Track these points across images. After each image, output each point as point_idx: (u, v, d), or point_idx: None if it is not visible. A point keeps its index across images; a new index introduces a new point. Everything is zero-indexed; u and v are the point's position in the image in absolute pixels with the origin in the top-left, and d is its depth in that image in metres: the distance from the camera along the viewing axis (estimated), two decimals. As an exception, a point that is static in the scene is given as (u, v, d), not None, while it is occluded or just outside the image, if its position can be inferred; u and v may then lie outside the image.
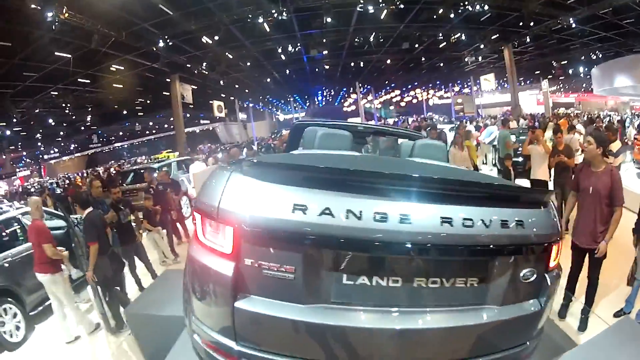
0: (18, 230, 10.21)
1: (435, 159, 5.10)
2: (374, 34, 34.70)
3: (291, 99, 75.63)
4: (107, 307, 8.24)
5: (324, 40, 36.79)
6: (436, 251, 2.96)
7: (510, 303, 3.27)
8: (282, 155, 5.81)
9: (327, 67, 51.35)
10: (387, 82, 68.97)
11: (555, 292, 3.63)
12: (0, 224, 10.15)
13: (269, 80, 55.30)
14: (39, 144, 67.32)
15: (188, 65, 37.67)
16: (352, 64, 49.81)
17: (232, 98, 59.09)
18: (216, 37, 31.16)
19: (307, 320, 2.90)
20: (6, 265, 9.22)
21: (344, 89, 72.72)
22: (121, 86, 41.95)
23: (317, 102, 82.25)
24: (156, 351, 4.92)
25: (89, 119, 58.06)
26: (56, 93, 39.80)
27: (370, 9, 26.69)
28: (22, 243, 9.66)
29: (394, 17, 30.16)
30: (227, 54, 38.06)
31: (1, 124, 46.40)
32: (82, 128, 63.06)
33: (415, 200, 2.89)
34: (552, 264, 3.44)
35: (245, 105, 68.72)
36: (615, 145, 9.99)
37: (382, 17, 28.47)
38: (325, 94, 77.58)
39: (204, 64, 38.43)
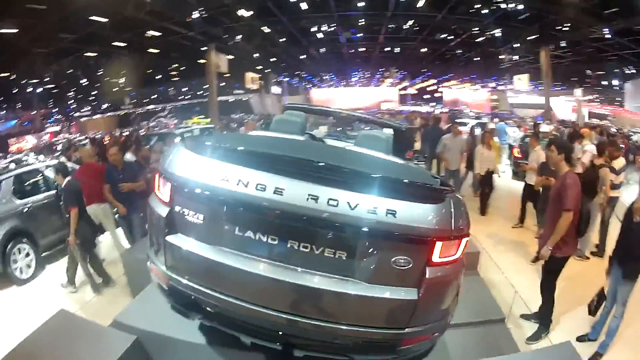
0: (40, 181, 11.42)
1: (375, 149, 5.64)
2: (411, 21, 34.38)
3: (327, 77, 75.47)
4: (92, 267, 8.94)
5: (361, 23, 36.63)
6: (302, 221, 3.64)
7: (379, 283, 3.74)
8: (228, 135, 6.52)
9: (363, 49, 51.27)
10: (422, 70, 67.89)
11: (449, 288, 4.00)
12: (24, 175, 11.48)
13: (304, 56, 55.03)
14: (71, 101, 68.27)
15: (225, 36, 37.67)
16: (388, 49, 49.62)
17: (267, 71, 58.95)
18: (252, 12, 31.21)
19: (208, 256, 3.87)
20: (25, 210, 10.55)
21: (380, 72, 71.72)
22: (157, 51, 42.58)
23: (352, 83, 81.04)
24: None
25: (122, 80, 58.44)
26: (91, 54, 40.31)
27: None
28: (43, 192, 11.13)
29: (432, 7, 29.85)
30: (263, 28, 37.97)
31: (33, 81, 47.24)
32: (116, 89, 63.52)
33: (293, 178, 3.65)
34: (435, 259, 3.70)
35: (280, 80, 68.89)
36: (618, 163, 9.87)
37: (419, 5, 28.26)
38: (360, 76, 76.68)
39: (240, 36, 38.32)
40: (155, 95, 71.46)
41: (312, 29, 38.40)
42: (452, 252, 3.80)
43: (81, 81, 54.10)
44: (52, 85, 53.46)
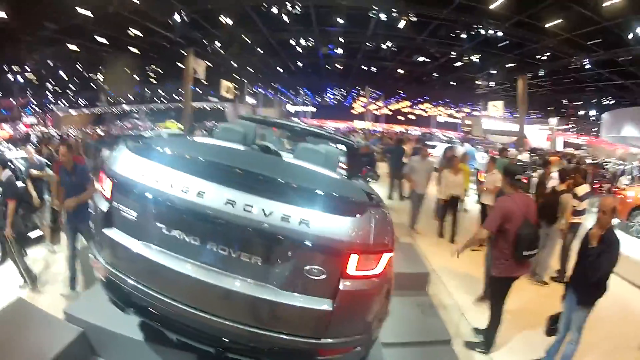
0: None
1: (313, 162, 5.72)
2: (389, 42, 34.44)
3: (302, 92, 75.74)
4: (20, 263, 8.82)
5: (340, 40, 37.00)
6: (220, 224, 3.82)
7: (291, 291, 3.85)
8: (169, 138, 6.84)
9: (340, 66, 51.42)
10: (398, 90, 68.69)
11: (370, 302, 4.06)
12: None
13: (281, 69, 55.20)
14: (48, 94, 67.69)
15: (204, 41, 37.46)
16: (365, 67, 49.68)
17: (243, 80, 59.42)
18: (233, 19, 31.04)
19: (138, 252, 4.09)
20: None
21: (355, 91, 72.23)
22: (137, 51, 42.24)
23: (326, 99, 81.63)
24: None
25: (100, 77, 58.32)
26: (72, 48, 39.63)
27: (386, 16, 26.48)
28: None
29: (411, 29, 29.86)
30: (242, 36, 37.85)
31: (15, 68, 46.94)
32: (93, 86, 63.12)
33: (216, 183, 3.87)
34: (350, 271, 3.78)
35: (255, 90, 69.10)
36: (582, 189, 9.96)
37: (398, 26, 28.20)
38: (336, 92, 76.94)
39: (218, 42, 38.28)
40: (130, 95, 71.16)
41: (291, 42, 38.40)
42: (371, 266, 3.88)
43: (60, 73, 53.39)
44: (32, 76, 52.82)
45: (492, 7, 23.75)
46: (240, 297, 3.89)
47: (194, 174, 3.97)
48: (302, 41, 37.26)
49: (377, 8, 25.79)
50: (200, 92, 62.84)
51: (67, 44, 37.97)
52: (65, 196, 8.14)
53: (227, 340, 4.09)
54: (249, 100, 67.45)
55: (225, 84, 46.54)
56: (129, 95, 71.08)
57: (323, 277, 3.81)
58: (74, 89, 66.42)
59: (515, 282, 6.82)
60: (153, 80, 63.18)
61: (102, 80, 59.32)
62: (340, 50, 41.04)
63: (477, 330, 7.49)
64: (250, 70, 56.07)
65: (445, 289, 9.34)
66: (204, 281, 3.90)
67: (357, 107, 75.21)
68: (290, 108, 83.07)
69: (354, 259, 3.77)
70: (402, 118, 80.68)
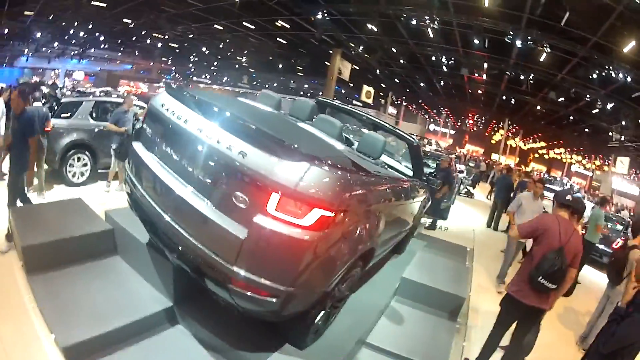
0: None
1: (325, 131, 6.57)
2: (530, 74, 33.34)
3: (443, 112, 75.11)
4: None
5: (483, 65, 36.36)
6: (193, 147, 4.72)
7: (222, 211, 4.35)
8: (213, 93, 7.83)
9: (482, 93, 50.13)
10: (535, 129, 65.65)
11: (288, 250, 4.14)
12: (105, 104, 14.50)
13: (424, 85, 54.55)
14: (190, 65, 72.66)
15: (351, 45, 38.48)
16: (505, 98, 47.95)
17: (389, 91, 60.55)
18: (380, 27, 31.75)
19: (146, 162, 5.29)
20: (96, 130, 13.47)
21: (494, 121, 69.67)
22: (285, 42, 44.68)
23: (466, 125, 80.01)
24: None
25: (244, 60, 61.32)
26: (219, 27, 42.84)
27: (522, 44, 25.87)
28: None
29: (552, 64, 29.31)
30: (389, 46, 38.38)
31: (157, 35, 50.78)
32: (237, 66, 66.14)
33: (207, 120, 4.70)
34: (270, 209, 4.04)
35: (399, 102, 69.25)
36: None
37: (540, 59, 27.73)
38: (476, 119, 74.78)
39: (363, 47, 39.14)
40: (275, 84, 72.68)
41: (435, 59, 38.01)
42: (296, 214, 4.06)
43: (203, 49, 56.80)
44: (175, 45, 56.54)
45: (625, 50, 22.60)
46: (186, 205, 4.56)
47: (197, 111, 4.86)
48: (445, 60, 36.76)
49: (512, 33, 25.45)
50: (343, 92, 64.04)
51: (214, 24, 41.05)
52: (12, 141, 8.32)
53: (178, 246, 4.79)
54: (392, 110, 67.20)
55: (366, 89, 47.10)
56: (274, 83, 72.98)
57: (245, 205, 4.17)
58: (217, 66, 69.99)
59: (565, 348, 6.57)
60: (299, 73, 64.39)
61: (245, 63, 61.80)
62: (483, 76, 40.39)
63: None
64: (396, 81, 56.10)
65: (477, 323, 8.57)
66: (171, 188, 4.76)
67: (496, 137, 72.30)
68: (431, 127, 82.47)
69: (274, 198, 4.03)
70: (537, 156, 77.95)
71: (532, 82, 35.11)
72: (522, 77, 34.66)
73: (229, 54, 58.12)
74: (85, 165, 13.51)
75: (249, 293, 4.23)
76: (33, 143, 8.20)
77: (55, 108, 13.29)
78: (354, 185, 4.70)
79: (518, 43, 25.91)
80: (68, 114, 13.33)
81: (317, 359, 5.08)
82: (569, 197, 6.48)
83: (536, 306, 6.11)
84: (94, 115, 13.83)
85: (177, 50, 59.20)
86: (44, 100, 14.13)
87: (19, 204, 8.38)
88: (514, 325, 6.56)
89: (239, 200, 4.21)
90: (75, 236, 6.52)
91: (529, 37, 25.45)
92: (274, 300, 4.25)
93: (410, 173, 8.92)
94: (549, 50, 26.03)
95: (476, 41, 28.97)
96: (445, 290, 7.66)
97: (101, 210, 7.37)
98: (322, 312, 5.28)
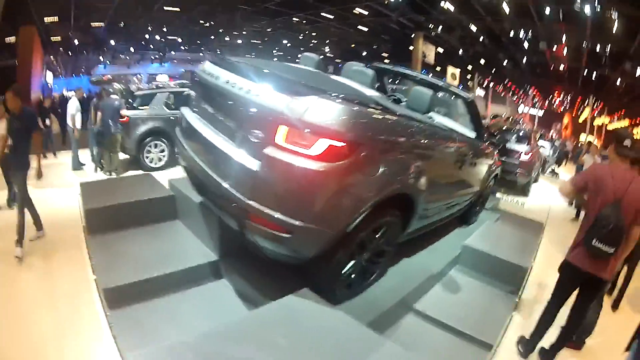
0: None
1: (357, 80, 6.78)
2: (608, 46, 32.63)
3: (530, 92, 73.49)
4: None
5: (562, 37, 35.38)
6: (223, 97, 5.23)
7: (241, 148, 4.59)
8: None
9: (564, 67, 47.99)
10: (619, 106, 60.05)
11: (297, 181, 4.23)
12: (179, 94, 15.56)
13: (508, 64, 53.62)
14: (275, 59, 71.74)
15: (430, 26, 38.98)
16: (587, 73, 45.78)
17: (475, 73, 59.51)
18: (455, 4, 32.51)
19: (189, 121, 5.84)
20: (171, 118, 14.58)
21: (579, 98, 64.72)
22: (366, 29, 45.54)
23: (553, 104, 74.98)
24: None
25: (327, 50, 62.04)
26: (297, 20, 44.37)
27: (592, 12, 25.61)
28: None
29: (627, 34, 28.23)
30: (466, 24, 38.55)
31: (236, 33, 53.10)
32: (321, 56, 65.94)
33: (238, 75, 5.02)
34: (278, 140, 4.22)
35: (486, 84, 68.04)
36: None
37: (614, 29, 27.23)
38: (561, 97, 71.61)
39: (441, 27, 39.58)
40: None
41: (512, 34, 37.78)
42: (302, 144, 4.16)
43: (284, 42, 58.26)
44: (257, 41, 58.32)
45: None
46: (217, 151, 4.86)
47: (230, 70, 5.19)
48: (523, 35, 36.79)
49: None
50: (430, 76, 63.49)
51: (293, 17, 42.68)
52: (13, 141, 8.11)
53: (216, 195, 5.04)
54: (480, 92, 65.90)
55: (451, 70, 46.57)
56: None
57: (259, 141, 4.37)
58: (301, 58, 69.70)
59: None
60: (385, 60, 62.90)
61: (329, 52, 61.98)
62: (564, 51, 39.33)
63: (543, 349, 6.02)
64: (481, 62, 55.43)
65: (540, 298, 7.43)
66: (207, 139, 5.12)
67: (582, 116, 69.07)
68: (519, 108, 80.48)
69: (282, 129, 4.20)
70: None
71: (609, 54, 34.32)
72: (599, 49, 33.89)
73: (311, 45, 59.01)
74: (162, 151, 15.07)
75: (263, 228, 4.35)
76: (37, 136, 8.24)
77: (130, 101, 14.95)
78: (370, 120, 4.70)
79: (587, 10, 25.55)
80: (143, 105, 14.90)
81: (348, 311, 4.88)
82: (627, 141, 5.52)
83: (594, 274, 5.38)
84: (168, 104, 15.16)
85: (260, 46, 60.49)
86: (118, 95, 15.18)
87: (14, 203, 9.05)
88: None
89: (254, 136, 4.42)
90: (136, 200, 7.18)
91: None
92: (289, 236, 4.31)
93: (474, 136, 8.31)
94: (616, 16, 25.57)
95: (550, 11, 28.96)
96: (506, 259, 7.31)
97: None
98: (352, 261, 5.25)
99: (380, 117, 4.91)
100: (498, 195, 14.25)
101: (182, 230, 7.01)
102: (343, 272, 5.16)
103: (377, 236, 5.44)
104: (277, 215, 4.25)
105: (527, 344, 6.01)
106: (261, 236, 4.47)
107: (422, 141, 5.74)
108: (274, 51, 66.23)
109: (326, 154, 4.13)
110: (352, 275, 5.34)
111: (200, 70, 5.89)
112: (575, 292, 5.78)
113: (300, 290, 4.87)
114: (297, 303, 4.64)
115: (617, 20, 26.06)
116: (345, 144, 4.21)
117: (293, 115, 4.14)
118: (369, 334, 4.38)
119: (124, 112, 13.79)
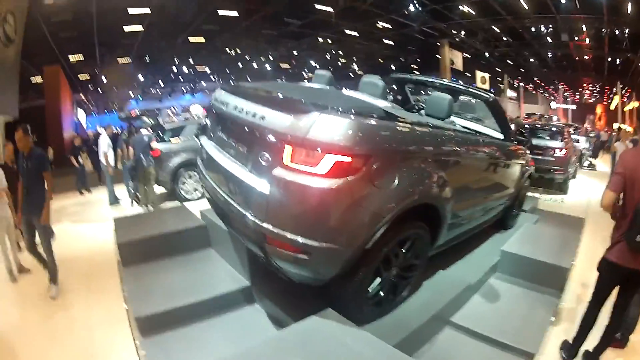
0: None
1: (368, 92, 6.81)
2: (626, 29, 32.02)
3: (560, 87, 72.54)
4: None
5: (582, 27, 34.80)
6: (235, 125, 5.35)
7: (253, 173, 4.66)
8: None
9: (588, 57, 46.90)
10: None
11: (306, 199, 4.18)
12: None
13: (535, 61, 52.85)
14: (305, 80, 71.97)
15: (453, 32, 39.21)
16: (611, 60, 44.57)
17: (504, 75, 58.76)
18: (474, 8, 32.59)
19: (207, 149, 6.03)
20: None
21: (607, 87, 62.62)
22: (391, 43, 45.69)
23: (584, 96, 74.24)
24: None
25: (355, 67, 61.50)
26: (321, 40, 44.87)
27: None
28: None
29: None
30: (488, 26, 38.37)
31: (262, 58, 53.03)
32: (351, 75, 65.90)
33: (249, 102, 5.04)
34: (286, 161, 4.22)
35: (516, 84, 67.28)
36: None
37: (627, 10, 26.97)
38: (590, 89, 68.92)
39: (464, 32, 39.61)
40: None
41: (534, 29, 37.46)
42: (309, 161, 4.11)
43: (312, 62, 57.77)
44: (285, 65, 58.22)
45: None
46: (233, 177, 4.96)
47: (240, 96, 5.27)
48: (544, 29, 36.42)
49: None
50: (461, 82, 63.11)
51: (317, 37, 43.07)
52: (26, 183, 7.81)
53: (235, 220, 5.06)
54: (511, 93, 64.87)
55: (480, 74, 46.25)
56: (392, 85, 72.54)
57: (268, 163, 4.40)
58: (335, 74, 69.62)
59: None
60: (415, 72, 63.02)
61: (359, 70, 61.27)
62: (586, 40, 38.59)
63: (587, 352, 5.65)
64: (508, 62, 54.94)
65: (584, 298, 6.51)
66: (223, 166, 5.25)
67: (613, 105, 66.85)
68: (552, 104, 79.17)
69: (288, 149, 4.18)
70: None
71: (629, 37, 33.72)
72: (617, 33, 33.41)
73: (339, 63, 58.68)
74: (198, 181, 14.60)
75: (282, 250, 4.31)
76: (48, 176, 7.80)
77: (161, 134, 15.06)
78: (378, 131, 4.55)
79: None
80: (173, 138, 15.07)
81: (376, 329, 4.78)
82: None
83: (634, 269, 5.03)
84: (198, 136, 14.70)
85: (290, 70, 60.48)
86: (148, 129, 15.00)
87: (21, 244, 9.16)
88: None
89: (263, 160, 4.42)
90: (167, 232, 7.38)
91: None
92: (306, 257, 4.24)
93: (501, 137, 7.95)
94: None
95: (566, 1, 28.87)
96: (545, 260, 7.01)
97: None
98: (379, 277, 5.12)
99: (389, 127, 4.79)
100: (537, 195, 14.01)
101: (215, 258, 7.09)
102: (370, 289, 5.06)
103: (403, 250, 5.29)
104: (292, 236, 4.20)
105: (570, 349, 5.73)
106: (281, 259, 4.44)
107: (442, 147, 5.58)
108: (303, 73, 66.52)
109: (334, 171, 4.05)
110: (381, 293, 5.21)
111: (213, 99, 6.02)
112: (616, 290, 5.45)
113: (323, 310, 4.75)
114: (319, 324, 4.52)
115: (631, 1, 25.85)
116: (352, 158, 4.11)
117: (297, 134, 4.10)
118: (395, 354, 4.21)
119: (154, 144, 13.90)
